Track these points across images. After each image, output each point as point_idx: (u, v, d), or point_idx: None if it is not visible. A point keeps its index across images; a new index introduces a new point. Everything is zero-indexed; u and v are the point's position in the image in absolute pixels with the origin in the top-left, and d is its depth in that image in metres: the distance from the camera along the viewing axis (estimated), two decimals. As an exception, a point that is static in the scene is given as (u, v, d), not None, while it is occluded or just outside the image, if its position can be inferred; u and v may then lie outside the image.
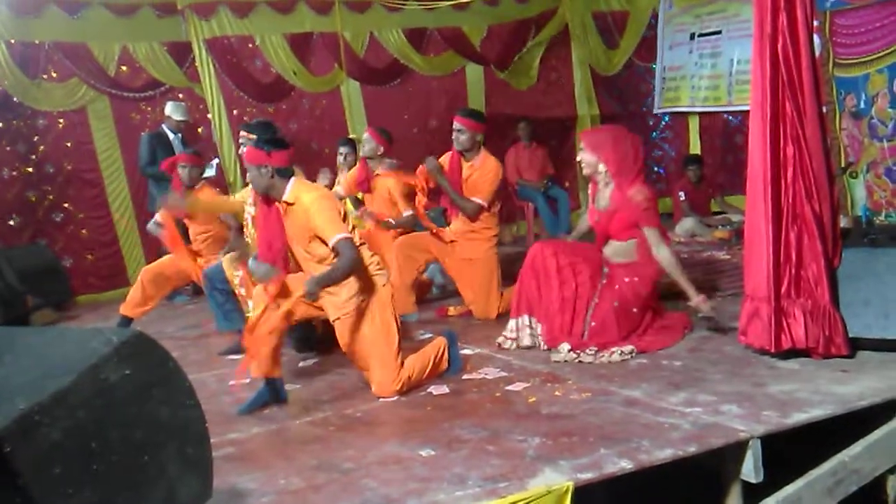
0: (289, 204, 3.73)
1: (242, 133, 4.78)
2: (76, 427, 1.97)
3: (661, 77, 8.82)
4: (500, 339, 4.48)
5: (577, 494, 2.63)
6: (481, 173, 5.14)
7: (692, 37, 8.46)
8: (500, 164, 5.36)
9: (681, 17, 8.57)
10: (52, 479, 1.90)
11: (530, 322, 4.40)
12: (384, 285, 3.85)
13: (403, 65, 8.42)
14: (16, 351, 2.23)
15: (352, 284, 3.74)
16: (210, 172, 6.71)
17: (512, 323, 4.46)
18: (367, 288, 3.79)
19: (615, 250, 4.37)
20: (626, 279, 4.25)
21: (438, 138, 8.33)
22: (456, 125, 5.15)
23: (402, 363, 3.81)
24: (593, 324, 4.22)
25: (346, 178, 6.02)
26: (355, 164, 6.40)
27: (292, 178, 3.75)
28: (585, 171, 4.48)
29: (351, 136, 7.36)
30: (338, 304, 3.78)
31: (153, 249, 7.31)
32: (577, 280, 4.29)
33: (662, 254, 4.24)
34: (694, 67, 8.44)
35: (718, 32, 8.16)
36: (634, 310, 4.25)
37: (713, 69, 8.24)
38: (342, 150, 6.56)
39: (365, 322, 3.79)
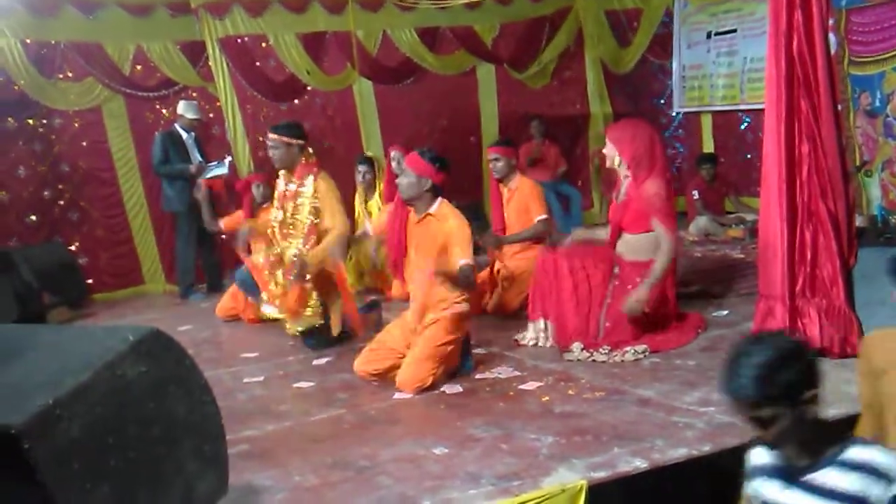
0: (430, 215, 3.99)
1: (271, 135, 4.79)
2: (94, 423, 1.99)
3: (681, 75, 8.77)
4: (519, 336, 4.52)
5: (591, 493, 2.63)
6: (521, 194, 5.35)
7: (709, 35, 8.42)
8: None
9: (696, 15, 8.53)
10: (70, 474, 1.92)
11: (545, 325, 4.43)
12: (465, 311, 4.00)
13: (416, 64, 8.41)
14: (34, 348, 2.26)
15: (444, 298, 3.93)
16: (223, 170, 6.75)
17: (530, 326, 4.50)
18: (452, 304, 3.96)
19: (628, 245, 4.35)
20: (639, 279, 4.23)
21: (450, 137, 8.34)
22: (492, 155, 5.42)
23: (434, 380, 3.86)
24: (608, 324, 4.21)
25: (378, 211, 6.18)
26: (374, 182, 6.49)
27: (440, 198, 4.02)
28: (607, 164, 4.47)
29: (368, 153, 7.35)
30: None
31: (168, 248, 7.36)
32: (591, 282, 4.30)
33: (663, 247, 4.19)
34: (712, 66, 8.41)
35: (734, 31, 8.12)
36: (647, 310, 4.24)
37: (730, 68, 8.21)
38: (360, 168, 6.58)
39: (434, 326, 3.92)
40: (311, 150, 4.79)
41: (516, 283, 5.20)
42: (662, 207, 4.22)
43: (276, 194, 4.94)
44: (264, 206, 5.79)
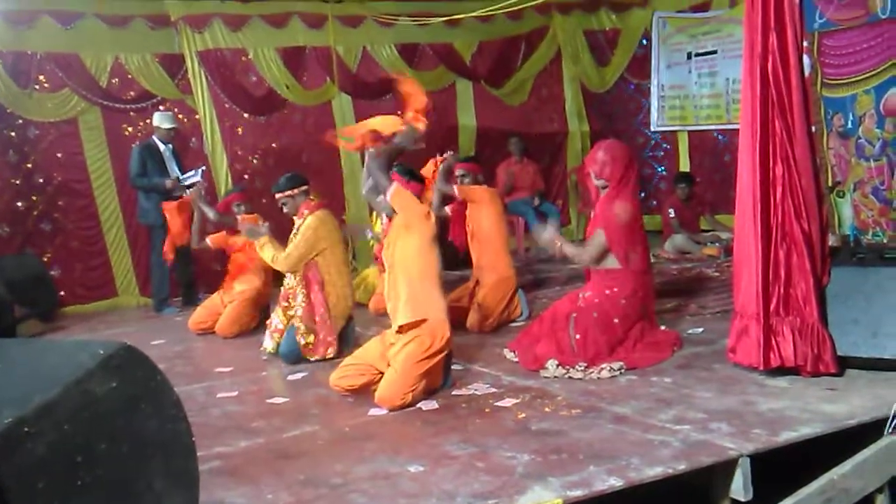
0: None
1: (277, 195, 5.02)
2: (62, 440, 1.95)
3: (660, 95, 8.86)
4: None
5: (566, 512, 2.62)
6: (482, 204, 5.52)
7: (689, 56, 8.54)
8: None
9: (676, 36, 8.64)
10: (37, 493, 1.87)
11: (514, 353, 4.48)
12: (442, 320, 3.98)
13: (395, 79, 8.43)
14: (1, 363, 2.21)
15: (413, 307, 3.93)
16: (195, 178, 6.71)
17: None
18: (426, 313, 3.94)
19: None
20: (607, 291, 4.27)
21: (429, 153, 8.33)
22: (459, 171, 5.62)
23: (414, 397, 3.84)
24: (577, 336, 4.21)
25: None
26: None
27: None
28: (596, 184, 4.45)
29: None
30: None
31: (142, 261, 7.29)
32: (556, 307, 4.42)
33: (582, 253, 4.37)
34: (695, 87, 8.53)
35: (714, 52, 8.26)
36: (616, 320, 4.25)
37: (712, 88, 8.35)
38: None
39: (413, 341, 3.90)
40: (311, 193, 5.06)
41: (493, 298, 5.21)
42: (622, 226, 4.26)
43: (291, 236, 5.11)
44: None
